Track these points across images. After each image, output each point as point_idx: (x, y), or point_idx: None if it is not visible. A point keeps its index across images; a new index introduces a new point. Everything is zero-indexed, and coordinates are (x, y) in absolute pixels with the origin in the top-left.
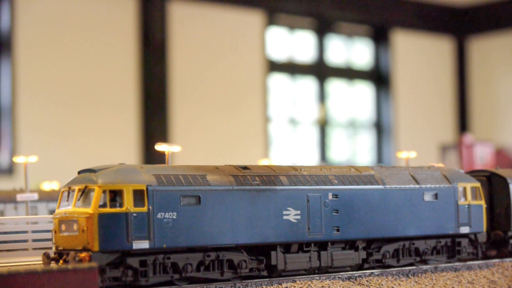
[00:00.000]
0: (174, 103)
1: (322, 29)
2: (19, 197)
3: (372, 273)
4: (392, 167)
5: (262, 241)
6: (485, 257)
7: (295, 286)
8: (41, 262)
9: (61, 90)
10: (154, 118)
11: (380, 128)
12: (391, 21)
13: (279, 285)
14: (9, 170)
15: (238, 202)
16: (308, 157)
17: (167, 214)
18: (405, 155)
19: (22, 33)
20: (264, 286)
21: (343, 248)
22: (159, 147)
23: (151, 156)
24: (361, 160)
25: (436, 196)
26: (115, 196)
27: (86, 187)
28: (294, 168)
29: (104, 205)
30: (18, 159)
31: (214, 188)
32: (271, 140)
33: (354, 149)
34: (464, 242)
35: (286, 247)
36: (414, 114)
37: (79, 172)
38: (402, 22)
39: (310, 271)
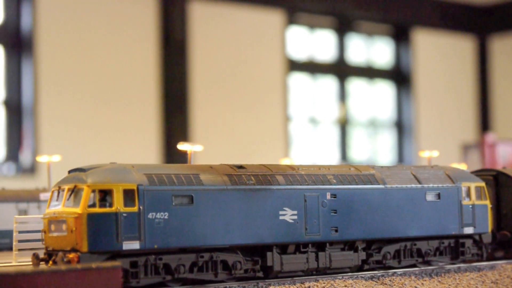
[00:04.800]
0: (195, 102)
1: (343, 28)
2: (42, 196)
3: (395, 272)
4: (394, 166)
5: (257, 242)
6: (492, 258)
7: (317, 286)
8: (30, 262)
9: (83, 90)
10: (175, 117)
11: (401, 127)
12: (412, 20)
13: (301, 284)
14: (32, 169)
15: (232, 202)
16: (329, 157)
17: (158, 214)
18: (427, 154)
19: (43, 32)
20: (273, 286)
21: (342, 249)
22: (181, 146)
23: (171, 155)
24: (382, 159)
25: (438, 196)
26: (105, 195)
27: (75, 186)
28: (291, 167)
29: (93, 205)
30: (41, 159)
31: (208, 188)
32: (292, 139)
33: (375, 148)
34: (468, 243)
35: (283, 248)
36: (435, 113)
37: (70, 172)
38: (423, 20)
39: (308, 273)
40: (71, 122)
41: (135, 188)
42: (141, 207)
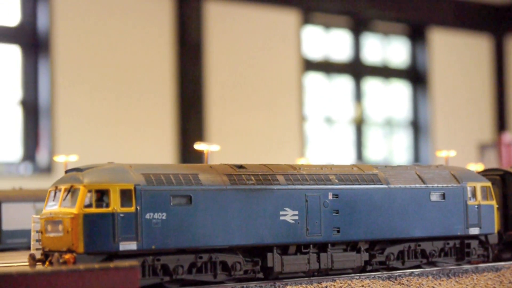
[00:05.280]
0: (210, 102)
1: (358, 28)
2: None
3: (412, 272)
4: (398, 166)
5: (257, 242)
6: (498, 259)
7: (335, 285)
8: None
9: (99, 90)
10: (190, 117)
11: (417, 127)
12: (428, 19)
13: (318, 284)
14: (48, 169)
15: (231, 202)
16: (344, 156)
17: (156, 214)
18: (445, 154)
19: (60, 32)
20: (290, 286)
21: (345, 250)
22: (198, 146)
23: (187, 155)
24: (397, 159)
25: (443, 196)
26: (101, 196)
27: (72, 186)
28: (292, 167)
29: (90, 205)
30: (58, 158)
31: (206, 188)
32: (307, 139)
33: (391, 148)
34: (474, 243)
35: (284, 249)
36: (451, 113)
37: (67, 171)
38: (439, 20)
39: (309, 274)
40: (87, 122)
41: (132, 188)
42: (138, 207)
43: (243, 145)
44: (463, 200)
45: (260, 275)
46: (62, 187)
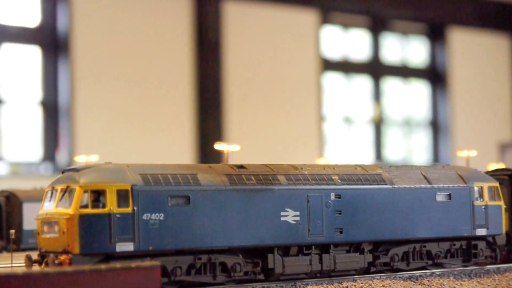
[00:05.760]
0: (229, 102)
1: (377, 27)
2: None
3: (433, 273)
4: (403, 166)
5: (257, 243)
6: (507, 260)
7: (355, 285)
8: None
9: (118, 90)
10: (209, 117)
11: (437, 126)
12: (447, 19)
13: (339, 284)
14: None
15: (231, 202)
16: (363, 156)
17: (153, 215)
18: (465, 154)
19: (79, 33)
20: (311, 286)
21: (348, 251)
22: (218, 146)
23: (206, 155)
24: (417, 159)
25: (449, 196)
26: (98, 196)
27: (68, 187)
28: (294, 167)
29: (86, 206)
30: (79, 158)
31: (205, 188)
32: (326, 139)
33: (410, 148)
34: (481, 244)
35: (285, 250)
36: (471, 112)
37: (63, 171)
38: (459, 19)
39: (311, 275)
40: (107, 122)
41: (129, 188)
42: (135, 208)
43: (262, 145)
44: (470, 200)
45: (261, 277)
46: (59, 187)
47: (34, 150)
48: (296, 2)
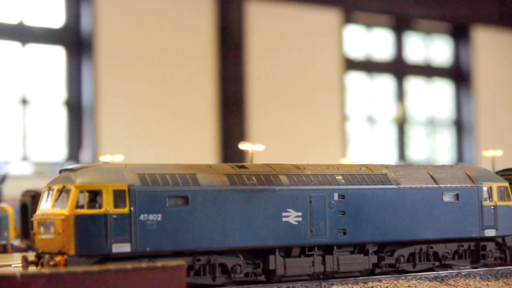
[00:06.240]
0: (252, 101)
1: (400, 27)
2: None
3: (459, 273)
4: (409, 165)
5: (258, 245)
6: None
7: (381, 285)
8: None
9: (141, 90)
10: (232, 117)
11: (461, 126)
12: (471, 17)
13: (364, 284)
14: None
15: (231, 203)
16: (387, 156)
17: (151, 215)
18: (491, 153)
19: (103, 33)
20: (336, 286)
21: (352, 252)
22: (243, 146)
23: (229, 155)
24: (441, 158)
25: (457, 196)
26: (94, 196)
27: (64, 187)
28: (297, 167)
29: (82, 206)
30: (104, 158)
31: (204, 188)
32: (349, 139)
33: (434, 147)
34: (490, 246)
35: (287, 251)
36: (496, 112)
37: (60, 171)
38: (483, 18)
39: (314, 277)
40: (130, 122)
41: (125, 188)
42: (132, 209)
43: (284, 144)
44: (478, 200)
45: (262, 278)
46: (55, 187)
47: (58, 150)
48: (319, 2)
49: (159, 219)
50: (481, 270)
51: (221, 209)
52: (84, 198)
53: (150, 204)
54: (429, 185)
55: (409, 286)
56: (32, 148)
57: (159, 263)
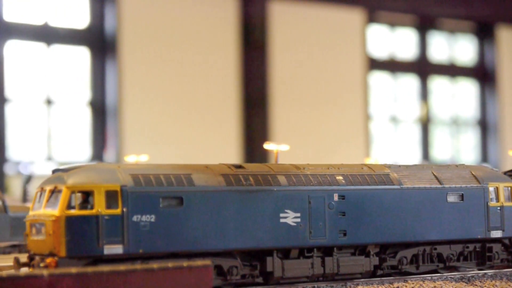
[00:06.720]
0: (275, 101)
1: (424, 26)
2: None
3: (485, 273)
4: (413, 165)
5: (255, 246)
6: None
7: (406, 286)
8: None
9: (165, 90)
10: (255, 117)
11: (485, 126)
12: (496, 17)
13: (390, 285)
14: None
15: (227, 203)
16: (410, 156)
17: (144, 216)
18: None
19: (127, 34)
20: (361, 286)
21: (353, 254)
22: (268, 146)
23: (252, 154)
24: (465, 158)
25: (462, 197)
26: (86, 197)
27: (55, 187)
28: (296, 167)
29: (73, 207)
30: (129, 158)
31: (199, 189)
32: (373, 138)
33: (458, 147)
34: (497, 247)
35: (285, 253)
36: None
37: (53, 172)
38: (507, 17)
39: (313, 279)
40: (154, 122)
41: (118, 189)
42: (124, 209)
43: (308, 144)
44: (484, 201)
45: (260, 280)
46: (47, 188)
47: (82, 150)
48: (342, 1)
49: (152, 220)
50: (508, 270)
51: (217, 210)
52: (75, 199)
53: (144, 205)
54: (433, 186)
55: (435, 287)
56: (57, 148)
57: (185, 263)
